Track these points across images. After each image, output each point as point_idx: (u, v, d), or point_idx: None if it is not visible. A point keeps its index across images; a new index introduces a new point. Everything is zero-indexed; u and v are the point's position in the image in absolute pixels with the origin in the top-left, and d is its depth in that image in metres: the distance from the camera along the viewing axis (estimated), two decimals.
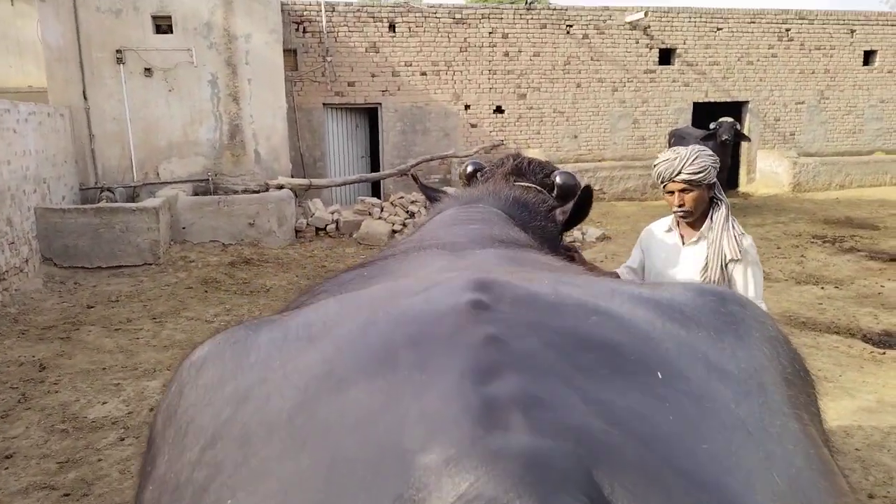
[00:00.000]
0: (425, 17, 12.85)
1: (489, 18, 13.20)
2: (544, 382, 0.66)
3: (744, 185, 14.86)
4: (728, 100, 14.77)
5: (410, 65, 12.92)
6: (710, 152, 2.72)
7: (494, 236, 1.52)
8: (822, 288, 7.40)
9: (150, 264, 8.56)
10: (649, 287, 0.97)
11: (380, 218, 10.27)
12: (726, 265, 2.69)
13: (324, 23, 12.28)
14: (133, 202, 9.71)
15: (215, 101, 10.49)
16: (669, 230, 2.89)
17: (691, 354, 0.79)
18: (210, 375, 0.84)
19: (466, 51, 13.15)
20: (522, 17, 13.31)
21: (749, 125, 14.76)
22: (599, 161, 13.78)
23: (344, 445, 0.64)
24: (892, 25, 15.41)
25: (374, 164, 13.49)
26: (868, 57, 15.43)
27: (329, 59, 12.44)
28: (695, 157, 2.65)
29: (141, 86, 10.24)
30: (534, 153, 13.28)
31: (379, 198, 11.54)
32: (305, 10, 12.30)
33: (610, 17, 13.76)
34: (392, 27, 12.73)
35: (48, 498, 3.68)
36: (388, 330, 0.78)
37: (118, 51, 10.05)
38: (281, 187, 10.34)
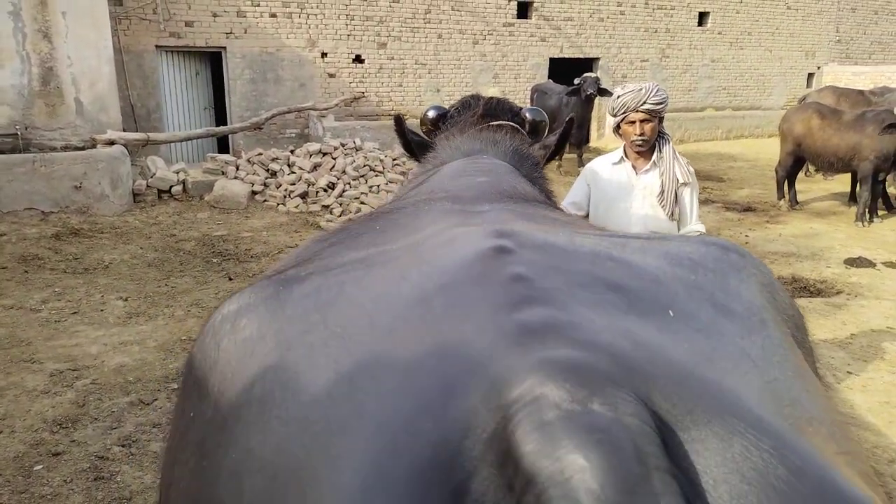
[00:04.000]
0: None
1: None
2: (571, 311, 0.72)
3: (595, 141, 15.27)
4: (581, 56, 15.00)
5: (258, 5, 11.56)
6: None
7: (503, 191, 1.49)
8: None
9: None
10: (657, 240, 1.05)
11: (235, 177, 9.12)
12: (678, 189, 2.96)
13: None
14: None
15: (20, 37, 8.57)
16: (619, 162, 3.09)
17: (699, 296, 0.87)
18: (248, 329, 0.86)
19: None
20: None
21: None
22: None
23: (389, 387, 0.68)
24: None
25: (220, 118, 12.05)
26: (702, 18, 16.40)
27: None
28: (657, 89, 2.85)
29: None
30: (397, 107, 12.62)
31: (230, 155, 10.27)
32: None
33: None
34: None
35: None
36: (420, 281, 0.82)
37: None
38: (112, 143, 8.78)
